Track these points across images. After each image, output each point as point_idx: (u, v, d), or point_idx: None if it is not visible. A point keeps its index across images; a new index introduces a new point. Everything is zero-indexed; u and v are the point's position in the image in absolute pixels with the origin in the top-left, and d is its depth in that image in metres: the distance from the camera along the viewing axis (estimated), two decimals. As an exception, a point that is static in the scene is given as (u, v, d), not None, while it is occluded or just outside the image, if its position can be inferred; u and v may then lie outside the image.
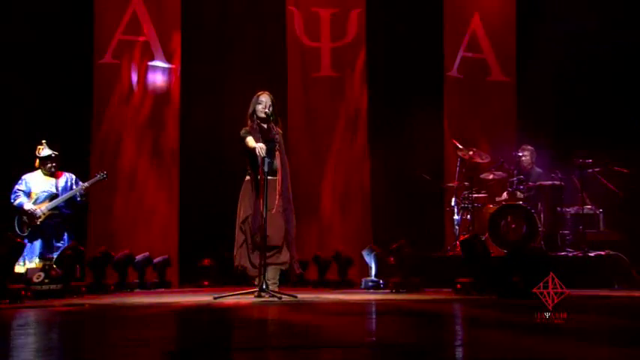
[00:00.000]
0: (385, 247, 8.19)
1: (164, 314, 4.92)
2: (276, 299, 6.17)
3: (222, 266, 10.21)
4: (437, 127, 10.93)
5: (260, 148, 6.44)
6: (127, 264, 8.54)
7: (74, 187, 8.60)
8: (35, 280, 6.92)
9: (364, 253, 8.52)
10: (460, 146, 9.34)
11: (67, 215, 8.59)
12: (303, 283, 9.56)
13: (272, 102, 6.82)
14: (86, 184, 8.60)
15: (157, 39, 10.31)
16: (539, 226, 8.63)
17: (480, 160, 9.33)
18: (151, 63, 10.30)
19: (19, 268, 7.62)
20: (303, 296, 6.78)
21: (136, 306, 5.81)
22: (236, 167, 10.55)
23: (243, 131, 6.76)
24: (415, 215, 10.77)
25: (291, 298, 6.31)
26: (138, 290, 8.65)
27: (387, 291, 7.75)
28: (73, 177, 8.70)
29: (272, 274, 6.64)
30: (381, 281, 8.05)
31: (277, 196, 6.58)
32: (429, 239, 10.29)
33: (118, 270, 8.43)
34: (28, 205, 8.37)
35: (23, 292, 6.30)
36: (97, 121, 10.05)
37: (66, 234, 8.56)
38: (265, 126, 6.79)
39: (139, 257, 8.94)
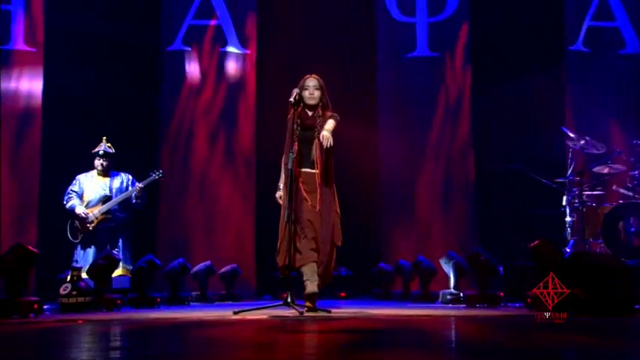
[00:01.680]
0: (483, 254, 7.36)
1: (132, 330, 4.42)
2: (296, 314, 5.73)
3: (303, 276, 9.77)
4: (556, 112, 9.86)
5: None
6: (181, 274, 8.15)
7: (129, 188, 8.35)
8: (62, 292, 6.67)
9: (442, 261, 7.80)
10: (571, 135, 8.32)
11: (121, 219, 8.39)
12: (387, 296, 8.90)
13: (320, 86, 6.35)
14: (141, 184, 8.36)
15: (230, 22, 9.94)
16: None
17: (596, 151, 8.28)
18: (223, 49, 9.89)
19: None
20: (347, 311, 6.39)
21: (132, 321, 5.39)
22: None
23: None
24: (529, 217, 9.77)
25: (320, 313, 5.91)
26: (194, 303, 8.26)
27: (463, 306, 7.10)
28: (130, 177, 8.48)
29: (309, 271, 6.15)
30: (461, 294, 7.31)
31: (318, 195, 6.12)
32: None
33: (170, 281, 8.07)
34: (79, 209, 8.22)
35: (36, 306, 6.00)
36: (167, 116, 9.80)
37: (121, 240, 8.38)
38: (310, 113, 6.31)
39: (198, 267, 8.56)
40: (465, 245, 9.30)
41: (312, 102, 6.29)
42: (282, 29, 10.20)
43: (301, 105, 6.27)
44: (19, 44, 9.41)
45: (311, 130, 6.22)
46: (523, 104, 10.01)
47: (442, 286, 7.90)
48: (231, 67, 9.96)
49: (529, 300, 6.14)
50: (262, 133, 9.86)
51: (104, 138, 8.42)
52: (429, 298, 8.02)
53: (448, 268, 7.69)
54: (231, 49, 9.97)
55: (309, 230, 6.08)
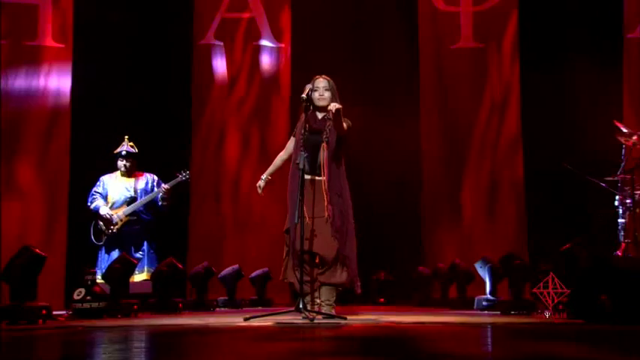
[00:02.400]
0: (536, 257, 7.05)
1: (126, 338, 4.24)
2: (308, 321, 5.50)
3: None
4: (612, 106, 9.38)
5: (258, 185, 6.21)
6: (206, 278, 7.99)
7: (155, 189, 8.22)
8: (75, 297, 6.55)
9: (477, 265, 7.48)
10: (624, 129, 7.87)
11: (147, 222, 8.28)
12: (425, 301, 8.61)
13: (331, 87, 6.14)
14: (167, 185, 8.22)
15: (263, 15, 9.74)
16: None
17: (650, 147, 7.80)
18: (257, 43, 9.70)
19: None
20: (369, 317, 6.20)
21: (140, 327, 5.23)
22: (366, 168, 9.92)
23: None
24: (584, 218, 9.34)
25: (334, 321, 5.66)
26: (220, 308, 8.12)
27: (497, 312, 6.83)
28: (155, 178, 8.36)
29: (326, 295, 5.95)
30: (497, 300, 6.98)
31: (326, 203, 5.85)
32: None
33: (196, 285, 7.92)
34: (104, 210, 8.12)
35: (45, 312, 5.88)
36: (197, 113, 9.66)
37: (146, 243, 8.27)
38: (320, 116, 6.10)
39: (225, 271, 8.39)
40: (512, 248, 8.94)
41: (322, 103, 6.06)
42: (318, 21, 9.97)
43: (310, 108, 6.04)
44: (48, 40, 9.34)
45: (318, 134, 5.96)
46: (575, 97, 9.58)
47: (482, 292, 7.57)
48: (265, 61, 9.78)
49: (560, 306, 5.90)
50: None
51: (126, 137, 8.32)
52: (467, 304, 7.70)
53: (484, 273, 7.38)
54: (264, 42, 9.80)
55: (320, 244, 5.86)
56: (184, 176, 8.28)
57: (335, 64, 9.93)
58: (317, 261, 5.88)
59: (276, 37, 9.78)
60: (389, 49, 9.99)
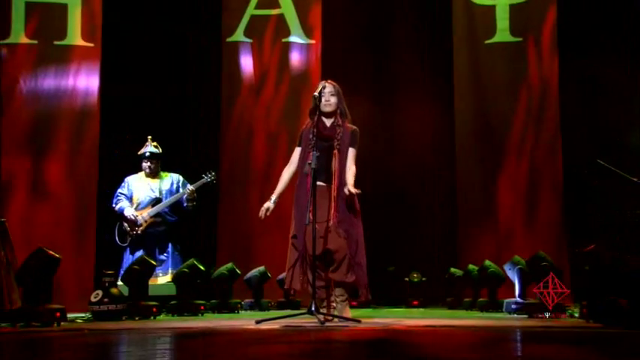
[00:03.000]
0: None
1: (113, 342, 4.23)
2: (318, 323, 5.47)
3: (381, 283, 9.51)
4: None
5: (262, 210, 6.07)
6: (230, 280, 7.98)
7: (180, 190, 8.24)
8: (92, 299, 6.60)
9: (506, 267, 7.35)
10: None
11: (171, 223, 8.30)
12: (457, 304, 8.49)
13: (337, 92, 6.11)
14: (192, 186, 8.22)
15: (293, 11, 9.69)
16: None
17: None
18: (287, 40, 9.66)
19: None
20: (384, 321, 6.12)
21: (145, 330, 5.21)
22: (399, 168, 9.83)
23: (299, 136, 6.22)
24: (627, 219, 9.09)
25: (347, 323, 5.66)
26: (245, 311, 8.10)
27: (526, 316, 6.72)
28: (180, 179, 8.38)
29: (340, 290, 6.01)
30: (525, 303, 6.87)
31: (332, 208, 5.86)
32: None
33: (218, 287, 7.92)
34: (128, 211, 8.17)
35: (58, 314, 5.93)
36: (226, 112, 9.65)
37: (170, 244, 8.30)
38: (328, 122, 6.06)
39: (251, 272, 8.37)
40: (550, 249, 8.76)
41: (327, 109, 6.04)
42: (349, 17, 9.90)
43: (317, 113, 6.00)
44: (77, 39, 9.42)
45: (329, 140, 5.95)
46: (618, 93, 9.33)
47: (513, 294, 7.42)
48: (295, 58, 9.73)
49: (584, 310, 5.77)
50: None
51: (149, 138, 8.36)
52: (498, 307, 7.56)
53: (513, 275, 7.24)
54: (294, 39, 9.75)
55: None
56: (209, 177, 8.29)
57: (365, 60, 9.90)
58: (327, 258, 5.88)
59: (307, 33, 9.73)
60: (422, 43, 9.87)
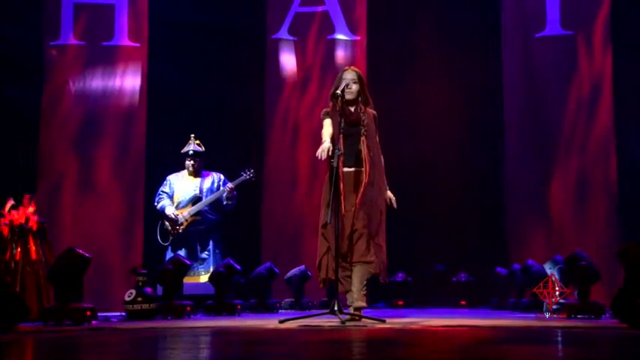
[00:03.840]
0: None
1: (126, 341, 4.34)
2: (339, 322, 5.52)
3: (421, 282, 9.51)
4: None
5: (321, 150, 5.80)
6: (269, 279, 8.08)
7: (221, 188, 8.36)
8: (126, 298, 6.76)
9: (547, 266, 7.27)
10: None
11: (212, 221, 8.41)
12: (501, 304, 8.41)
13: (359, 79, 6.17)
14: (231, 184, 8.33)
15: (338, 8, 9.73)
16: None
17: None
18: (331, 36, 9.71)
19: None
20: (410, 320, 6.10)
21: (157, 329, 5.33)
22: (446, 165, 9.77)
23: (322, 113, 6.20)
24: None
25: (370, 322, 5.67)
26: (284, 310, 8.17)
27: (563, 316, 6.61)
28: (222, 177, 8.50)
29: (358, 277, 6.03)
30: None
31: (361, 191, 5.98)
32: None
33: (257, 287, 8.03)
34: (169, 210, 8.33)
35: (89, 313, 6.10)
36: (270, 112, 9.73)
37: (211, 243, 8.42)
38: (352, 108, 6.15)
39: (291, 272, 8.43)
40: (603, 248, 8.64)
41: (349, 97, 6.10)
42: (394, 11, 9.89)
43: (337, 99, 6.01)
44: (124, 40, 9.64)
45: (356, 126, 6.06)
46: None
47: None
48: (340, 55, 9.76)
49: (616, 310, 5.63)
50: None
51: (192, 136, 8.48)
52: (540, 308, 7.45)
53: (554, 274, 7.12)
54: (339, 36, 9.78)
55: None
56: (249, 175, 8.37)
57: (414, 53, 9.86)
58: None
59: (352, 29, 9.75)
60: (470, 37, 9.78)
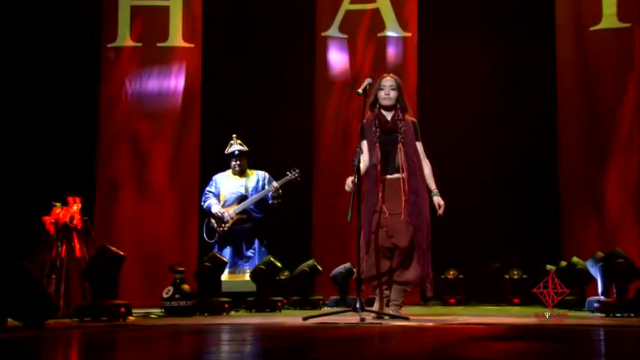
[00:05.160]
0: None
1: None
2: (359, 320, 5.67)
3: (474, 280, 9.54)
4: None
5: (347, 185, 6.11)
6: (312, 276, 8.29)
7: (266, 187, 8.57)
8: (164, 295, 7.04)
9: (588, 263, 7.21)
10: None
11: (258, 220, 8.62)
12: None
13: (397, 86, 6.28)
14: (276, 183, 8.52)
15: (389, 4, 9.80)
16: None
17: None
18: (382, 34, 9.79)
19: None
20: (441, 318, 6.30)
21: (179, 326, 5.53)
22: (484, 161, 9.76)
23: (360, 128, 6.35)
24: None
25: (399, 321, 5.81)
26: (328, 307, 8.33)
27: (602, 315, 6.64)
28: (266, 176, 8.71)
29: (395, 295, 6.16)
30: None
31: (403, 203, 6.04)
32: None
33: (300, 284, 8.25)
34: (215, 208, 8.58)
35: (123, 310, 6.41)
36: (320, 110, 9.88)
37: (257, 241, 8.62)
38: (389, 116, 6.25)
39: (337, 269, 8.60)
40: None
41: (387, 102, 6.22)
42: (445, 7, 9.90)
43: (377, 106, 6.24)
44: (178, 40, 9.94)
45: (393, 133, 6.17)
46: None
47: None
48: (391, 52, 9.84)
49: None
50: (423, 125, 9.59)
51: (234, 136, 8.69)
52: (583, 306, 7.45)
53: (595, 272, 7.11)
54: (390, 33, 9.85)
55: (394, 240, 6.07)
56: (294, 175, 8.54)
57: (465, 49, 9.86)
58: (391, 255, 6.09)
59: (402, 26, 9.80)
60: (523, 31, 9.74)
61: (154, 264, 9.33)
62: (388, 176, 6.11)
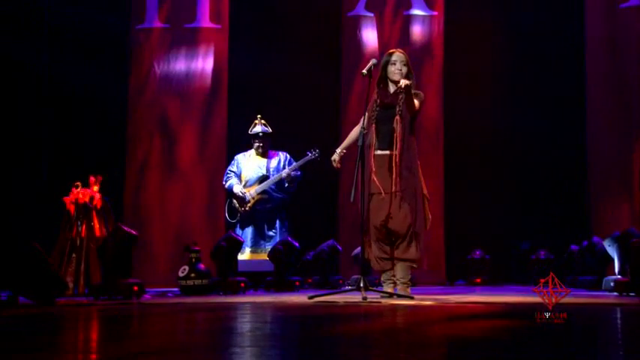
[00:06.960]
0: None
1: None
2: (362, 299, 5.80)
3: (500, 260, 9.58)
4: None
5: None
6: (331, 257, 8.47)
7: (286, 168, 8.71)
8: (180, 274, 7.26)
9: (606, 243, 7.23)
10: None
11: (279, 200, 8.77)
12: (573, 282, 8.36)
13: (406, 61, 6.33)
14: (295, 164, 8.65)
15: (415, -19, 9.84)
16: None
17: None
18: (408, 12, 9.83)
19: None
20: (444, 297, 6.37)
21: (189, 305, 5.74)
22: (510, 140, 9.79)
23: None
24: None
25: (402, 300, 5.95)
26: (349, 287, 8.45)
27: (615, 294, 6.67)
28: (288, 156, 8.86)
29: (401, 272, 6.25)
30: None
31: (394, 176, 6.08)
32: None
33: (319, 264, 8.44)
34: (237, 188, 8.77)
35: (136, 288, 6.62)
36: (347, 90, 9.95)
37: (278, 221, 8.78)
38: (392, 89, 6.32)
39: (358, 249, 8.67)
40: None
41: (397, 77, 6.26)
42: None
43: (384, 82, 6.34)
44: (205, 21, 10.11)
45: (391, 108, 6.21)
46: None
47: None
48: (417, 30, 9.86)
49: None
50: (449, 104, 9.68)
51: (258, 116, 8.84)
52: (600, 285, 7.48)
53: (612, 251, 7.12)
54: (416, 11, 9.87)
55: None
56: (314, 155, 8.66)
57: (492, 28, 9.87)
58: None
59: (429, 4, 9.83)
60: (550, 7, 9.68)
61: (182, 243, 9.53)
62: (378, 152, 6.17)
